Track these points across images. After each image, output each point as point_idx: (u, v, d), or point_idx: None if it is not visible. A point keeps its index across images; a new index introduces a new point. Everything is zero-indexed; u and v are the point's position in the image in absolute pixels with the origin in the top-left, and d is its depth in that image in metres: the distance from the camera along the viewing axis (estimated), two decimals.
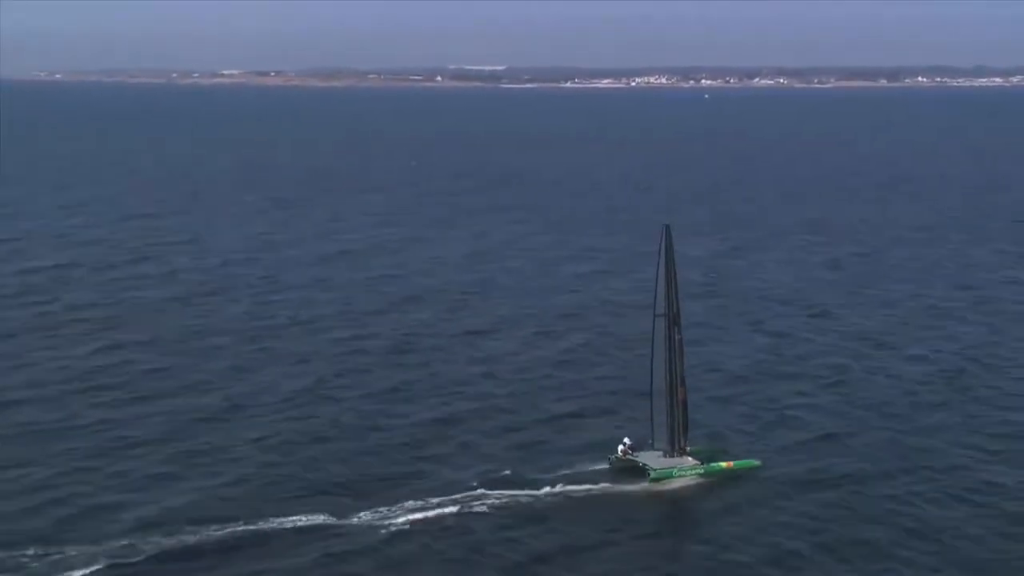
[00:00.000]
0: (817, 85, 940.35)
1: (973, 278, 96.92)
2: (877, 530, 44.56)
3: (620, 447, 50.70)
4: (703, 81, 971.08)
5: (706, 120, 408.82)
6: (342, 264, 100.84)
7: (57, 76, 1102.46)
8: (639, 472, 49.52)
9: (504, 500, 46.27)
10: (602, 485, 47.94)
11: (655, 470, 49.24)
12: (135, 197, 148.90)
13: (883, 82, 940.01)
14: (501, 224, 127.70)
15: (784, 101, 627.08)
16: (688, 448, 50.93)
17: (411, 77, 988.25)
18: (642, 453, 50.73)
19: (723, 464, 50.31)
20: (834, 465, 51.71)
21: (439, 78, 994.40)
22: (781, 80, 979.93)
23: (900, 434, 56.17)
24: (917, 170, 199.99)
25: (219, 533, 42.04)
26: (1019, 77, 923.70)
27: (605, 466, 50.19)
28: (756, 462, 50.88)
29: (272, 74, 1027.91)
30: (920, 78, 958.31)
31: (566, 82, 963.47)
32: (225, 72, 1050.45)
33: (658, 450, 50.94)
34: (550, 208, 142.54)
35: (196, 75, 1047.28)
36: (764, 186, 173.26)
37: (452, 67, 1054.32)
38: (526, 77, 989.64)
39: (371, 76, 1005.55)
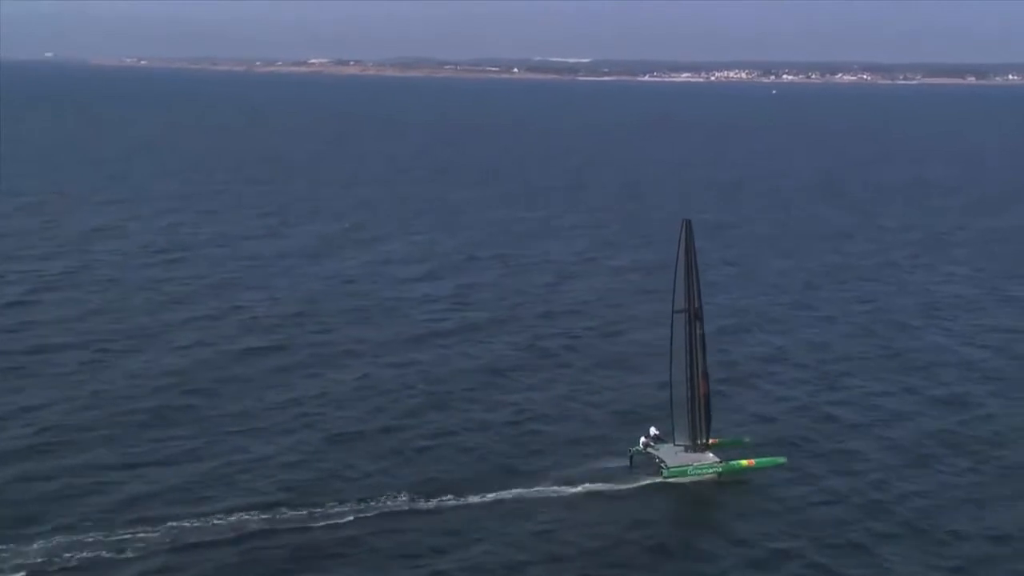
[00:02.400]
0: (902, 82, 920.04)
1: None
2: (907, 535, 43.68)
3: (643, 438, 50.31)
4: (784, 76, 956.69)
5: (732, 114, 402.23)
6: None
7: (143, 62, 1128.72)
8: (658, 468, 49.11)
9: (513, 497, 46.00)
10: (615, 483, 47.47)
11: (668, 468, 48.66)
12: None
13: (971, 79, 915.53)
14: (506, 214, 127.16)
15: (855, 97, 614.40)
16: (710, 443, 50.29)
17: (487, 69, 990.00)
18: (663, 447, 50.25)
19: (744, 462, 49.45)
20: (862, 465, 50.83)
21: (515, 70, 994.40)
22: (864, 76, 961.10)
23: (936, 433, 55.08)
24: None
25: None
26: None
27: (624, 461, 49.62)
28: (780, 459, 49.85)
29: (351, 63, 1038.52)
30: (1011, 76, 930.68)
31: (644, 75, 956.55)
32: (308, 61, 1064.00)
33: (680, 445, 50.40)
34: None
35: (279, 63, 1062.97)
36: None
37: (537, 58, 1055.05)
38: (605, 70, 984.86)
39: (447, 67, 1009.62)
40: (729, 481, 48.63)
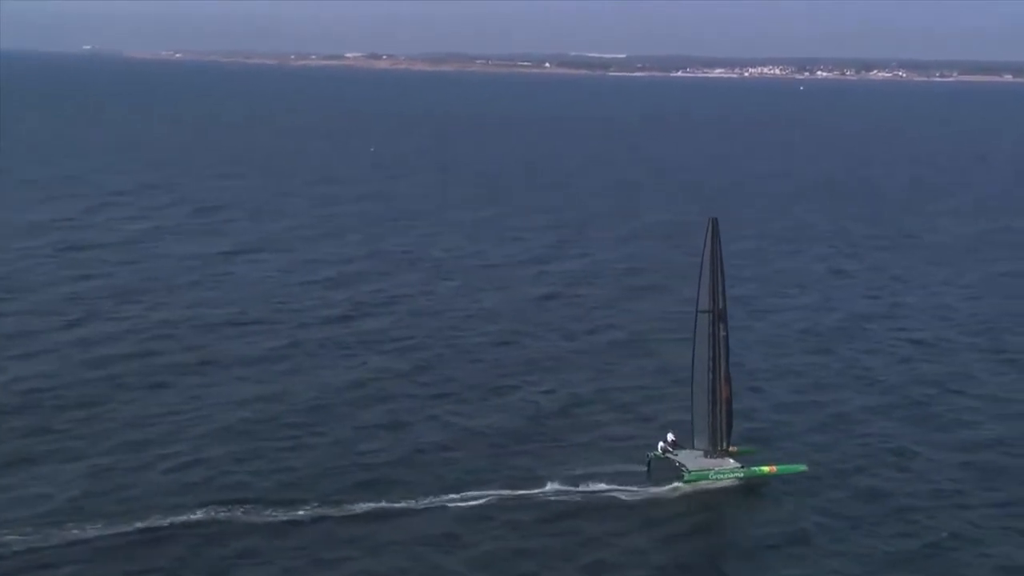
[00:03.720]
0: (938, 79, 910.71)
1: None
2: (935, 552, 42.51)
3: (661, 444, 49.64)
4: (819, 73, 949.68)
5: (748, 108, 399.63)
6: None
7: (178, 55, 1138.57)
8: (677, 472, 48.30)
9: (532, 500, 45.46)
10: (635, 486, 46.83)
11: (690, 472, 47.79)
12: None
13: (1008, 77, 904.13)
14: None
15: (884, 94, 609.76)
16: (731, 449, 49.49)
17: (519, 64, 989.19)
18: (682, 452, 49.48)
19: (766, 468, 48.46)
20: (888, 475, 49.71)
21: (547, 65, 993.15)
22: (900, 73, 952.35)
23: (967, 447, 53.66)
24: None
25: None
26: None
27: (643, 466, 48.89)
28: (802, 467, 48.85)
29: (384, 57, 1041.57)
30: None
31: (677, 72, 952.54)
32: (342, 55, 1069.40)
33: (699, 450, 49.68)
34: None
35: (312, 57, 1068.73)
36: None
37: (572, 54, 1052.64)
38: (639, 65, 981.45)
39: (478, 61, 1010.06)
40: (749, 487, 47.86)
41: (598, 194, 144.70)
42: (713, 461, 48.83)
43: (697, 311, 49.16)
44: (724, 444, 49.38)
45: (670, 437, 50.05)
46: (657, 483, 47.36)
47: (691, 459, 48.92)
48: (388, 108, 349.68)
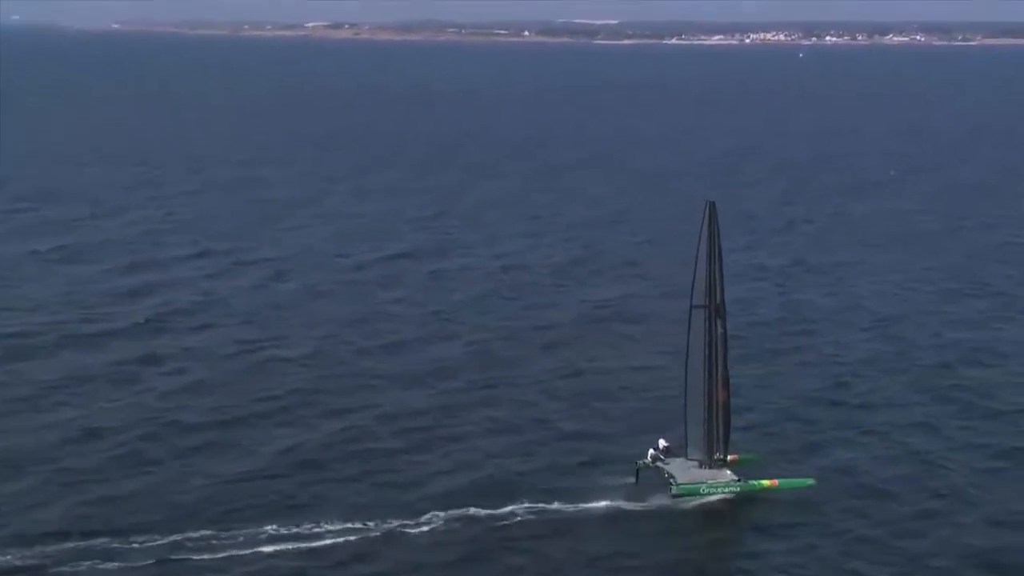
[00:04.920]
0: (960, 43, 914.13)
1: None
2: None
3: (651, 451, 49.70)
4: (827, 38, 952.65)
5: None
6: None
7: (116, 26, 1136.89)
8: (667, 484, 48.47)
9: (505, 515, 45.92)
10: (620, 500, 47.26)
11: (678, 484, 47.71)
12: None
13: None
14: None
15: (895, 60, 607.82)
16: (730, 458, 49.49)
17: (495, 32, 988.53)
18: (674, 461, 49.51)
19: (766, 482, 48.43)
20: (903, 492, 49.57)
21: (526, 33, 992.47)
22: (917, 37, 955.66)
23: (995, 457, 53.71)
24: None
25: None
26: None
27: (630, 478, 48.99)
28: (808, 480, 48.83)
29: (346, 27, 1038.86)
30: None
31: (672, 38, 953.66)
32: (302, 24, 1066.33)
33: (693, 460, 49.68)
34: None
35: (269, 27, 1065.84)
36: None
37: (560, 20, 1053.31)
38: (628, 33, 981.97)
39: (450, 30, 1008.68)
40: (747, 502, 47.97)
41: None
42: (706, 473, 48.88)
43: (691, 306, 49.11)
44: (721, 454, 49.25)
45: (662, 443, 50.02)
46: (644, 496, 47.64)
47: (682, 470, 48.95)
48: (336, 83, 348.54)
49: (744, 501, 47.91)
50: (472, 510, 45.86)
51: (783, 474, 49.32)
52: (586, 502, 46.81)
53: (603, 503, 46.69)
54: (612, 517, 46.19)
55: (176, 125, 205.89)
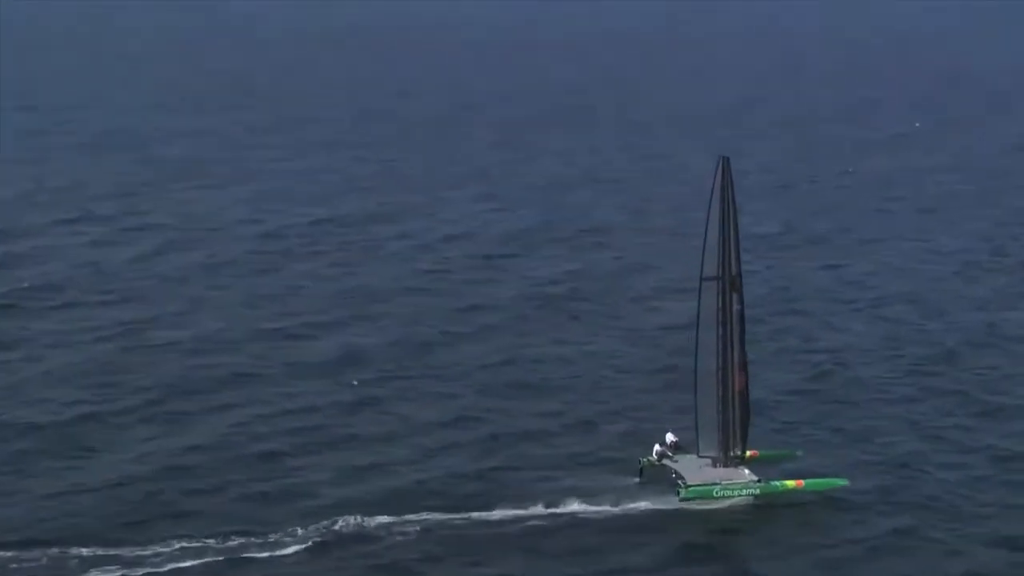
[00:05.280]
0: None
1: None
2: None
3: (657, 446, 51.98)
4: None
5: None
6: None
7: None
8: (674, 484, 51.01)
9: (478, 524, 48.57)
10: (616, 504, 49.62)
11: (687, 486, 49.73)
12: None
13: None
14: None
15: None
16: (748, 454, 52.14)
17: None
18: (683, 458, 51.95)
19: (790, 483, 50.90)
20: (950, 495, 52.29)
21: None
22: None
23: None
24: None
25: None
26: None
27: (632, 478, 51.60)
28: (841, 481, 51.35)
29: None
30: None
31: None
32: None
33: (705, 456, 52.15)
34: None
35: None
36: None
37: None
38: None
39: None
40: (767, 507, 50.69)
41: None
42: (720, 472, 51.40)
43: (701, 279, 51.57)
44: (738, 450, 52.04)
45: (670, 438, 52.23)
46: (647, 499, 50.09)
47: (692, 469, 51.41)
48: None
49: (764, 506, 50.48)
50: (366, 520, 48.63)
51: (810, 473, 52.06)
52: (577, 504, 49.32)
53: (593, 507, 49.08)
54: (606, 525, 48.38)
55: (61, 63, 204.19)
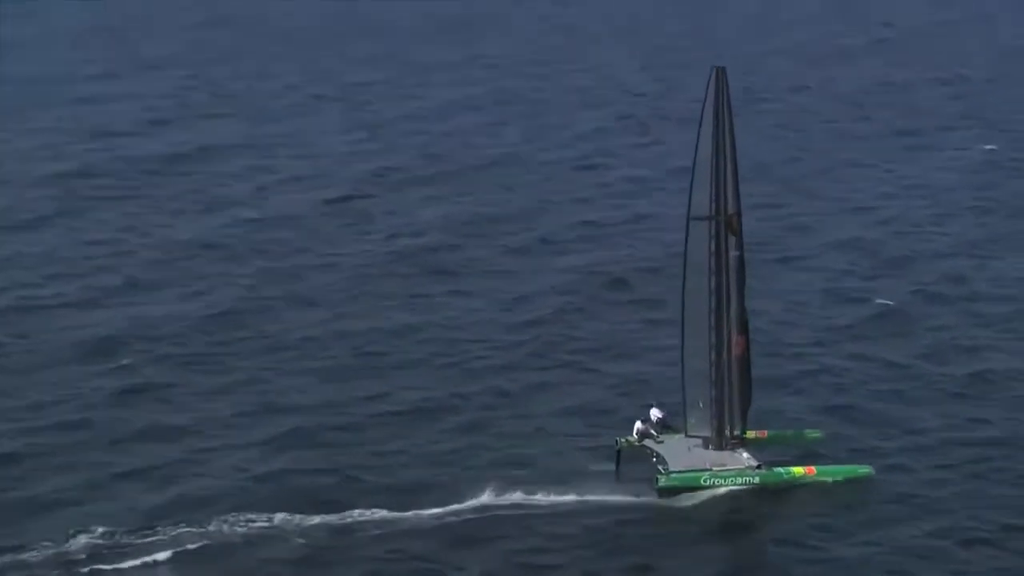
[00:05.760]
0: None
1: None
2: None
3: (639, 424, 47.81)
4: None
5: None
6: None
7: None
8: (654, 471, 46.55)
9: (444, 515, 44.43)
10: (586, 493, 45.07)
11: (669, 473, 45.47)
12: None
13: None
14: None
15: None
16: (747, 436, 47.78)
17: None
18: (669, 439, 47.73)
19: (799, 470, 46.23)
20: (995, 488, 47.26)
21: None
22: None
23: None
24: None
25: None
26: None
27: (608, 463, 47.53)
28: (864, 469, 46.68)
29: None
30: None
31: None
32: None
33: (695, 437, 47.66)
34: None
35: None
36: None
37: None
38: None
39: None
40: (771, 498, 45.96)
41: None
42: (712, 456, 46.87)
43: (689, 218, 46.97)
44: (737, 429, 47.39)
45: (655, 415, 48.32)
46: (624, 489, 45.71)
47: (677, 452, 46.90)
48: None
49: (766, 497, 45.69)
50: (380, 513, 44.38)
51: (829, 459, 47.53)
52: (542, 495, 45.01)
53: (563, 496, 44.91)
54: (571, 519, 44.06)
55: None
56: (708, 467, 45.88)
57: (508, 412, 52.82)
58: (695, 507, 44.98)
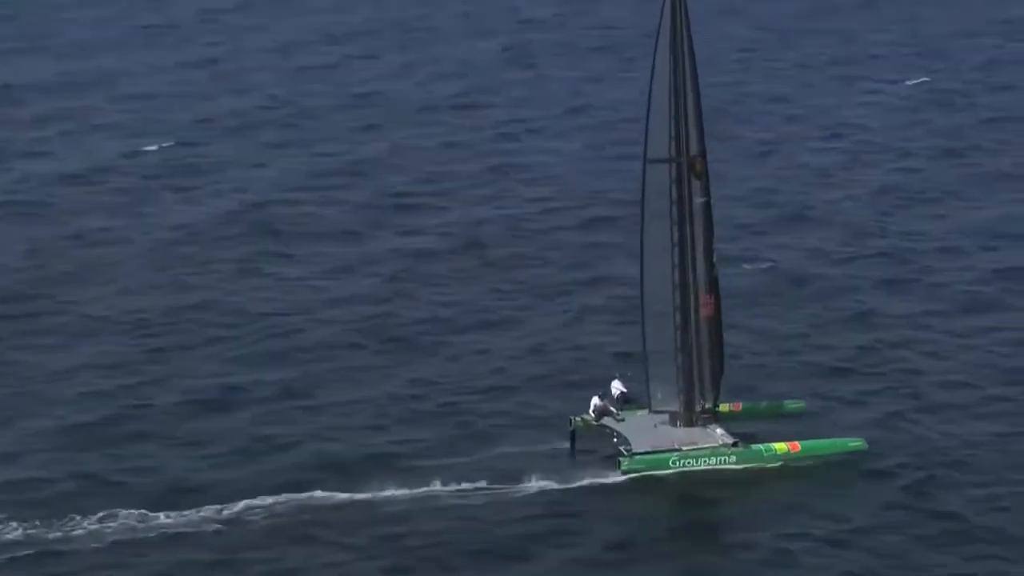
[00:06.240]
0: None
1: None
2: None
3: (595, 400, 44.22)
4: None
5: None
6: None
7: None
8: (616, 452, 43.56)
9: (370, 507, 41.01)
10: (542, 482, 41.61)
11: (632, 455, 42.13)
12: None
13: None
14: None
15: None
16: (719, 409, 44.46)
17: None
18: (632, 416, 44.23)
19: (781, 447, 42.74)
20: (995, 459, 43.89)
21: None
22: None
23: None
24: None
25: None
26: None
27: (562, 442, 44.08)
28: (855, 442, 43.23)
29: None
30: None
31: None
32: None
33: (660, 413, 44.23)
34: None
35: None
36: None
37: None
38: None
39: None
40: (749, 480, 42.32)
41: None
42: (680, 434, 43.47)
43: (645, 160, 42.95)
44: (709, 401, 44.05)
45: (616, 389, 44.69)
46: (580, 475, 42.04)
47: (642, 430, 43.51)
48: None
49: (743, 480, 42.05)
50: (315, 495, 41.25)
51: (810, 433, 43.89)
52: (484, 481, 41.40)
53: (505, 484, 41.30)
54: (516, 510, 40.30)
55: None
56: (677, 447, 42.62)
57: (326, 399, 48.82)
58: (662, 493, 41.72)
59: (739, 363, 49.40)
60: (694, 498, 41.68)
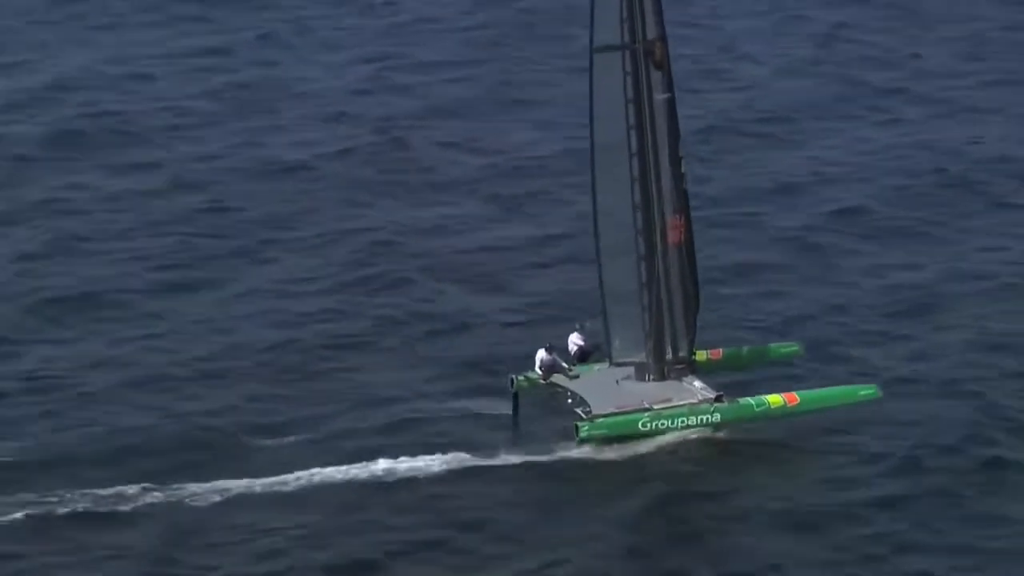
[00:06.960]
0: None
1: None
2: None
3: (541, 353, 38.84)
4: None
5: None
6: None
7: None
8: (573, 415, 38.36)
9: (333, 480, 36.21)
10: (481, 456, 36.46)
11: (591, 419, 36.95)
12: None
13: None
14: None
15: None
16: (696, 358, 39.11)
17: None
18: (587, 372, 38.99)
19: (776, 400, 37.38)
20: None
21: None
22: None
23: None
24: None
25: None
26: None
27: (504, 405, 38.98)
28: (866, 389, 38.12)
29: None
30: None
31: None
32: None
33: (624, 364, 38.76)
34: None
35: None
36: None
37: None
38: None
39: None
40: (738, 441, 37.16)
41: None
42: (651, 389, 37.82)
43: (592, 48, 37.10)
44: (683, 350, 38.49)
45: (574, 344, 39.38)
46: (533, 442, 37.12)
47: (602, 388, 38.10)
48: None
49: (731, 441, 36.90)
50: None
51: (814, 382, 38.71)
52: (408, 458, 36.05)
53: (426, 461, 36.18)
54: (453, 490, 35.03)
55: None
56: (647, 405, 37.04)
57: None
58: (630, 465, 36.16)
59: (717, 300, 44.58)
60: (671, 470, 35.86)
